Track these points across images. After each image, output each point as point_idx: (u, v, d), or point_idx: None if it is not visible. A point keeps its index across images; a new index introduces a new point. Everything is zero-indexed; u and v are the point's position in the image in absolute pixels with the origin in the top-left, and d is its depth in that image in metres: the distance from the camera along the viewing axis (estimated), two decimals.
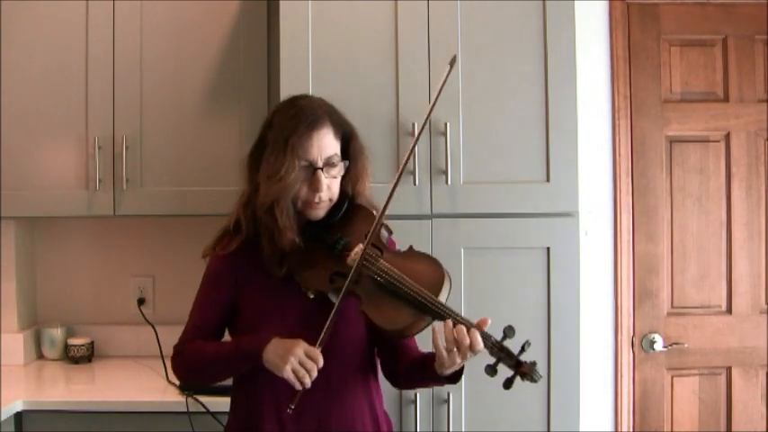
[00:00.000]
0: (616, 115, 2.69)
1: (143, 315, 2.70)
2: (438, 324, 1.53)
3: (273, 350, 1.57)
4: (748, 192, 2.71)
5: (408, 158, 1.73)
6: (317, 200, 1.63)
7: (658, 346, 2.68)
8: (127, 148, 2.43)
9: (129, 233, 2.78)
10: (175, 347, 1.75)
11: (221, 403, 2.00)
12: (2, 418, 2.06)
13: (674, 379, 2.71)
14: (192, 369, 1.74)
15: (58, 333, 2.69)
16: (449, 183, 2.09)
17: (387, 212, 1.65)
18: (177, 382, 2.27)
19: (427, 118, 1.71)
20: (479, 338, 1.47)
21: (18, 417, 2.17)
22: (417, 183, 2.09)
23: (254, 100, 2.45)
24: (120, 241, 2.80)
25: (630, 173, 2.70)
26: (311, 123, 1.61)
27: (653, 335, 2.69)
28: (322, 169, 1.61)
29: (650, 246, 2.70)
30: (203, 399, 2.14)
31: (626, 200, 2.69)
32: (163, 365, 2.43)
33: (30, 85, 2.45)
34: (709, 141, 2.72)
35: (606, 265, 2.70)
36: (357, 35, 2.12)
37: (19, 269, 2.70)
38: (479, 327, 1.49)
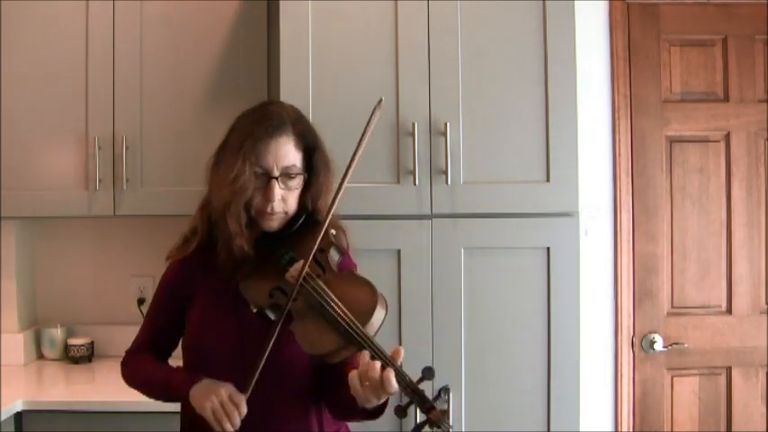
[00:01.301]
0: (616, 115, 2.69)
1: (143, 315, 2.70)
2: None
3: (199, 389, 1.52)
4: (748, 192, 2.71)
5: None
6: (269, 210, 1.55)
7: (658, 346, 2.68)
8: (127, 148, 2.43)
9: (129, 233, 2.78)
10: (124, 356, 1.75)
11: None
12: (2, 418, 2.06)
13: (674, 379, 2.71)
14: (132, 384, 1.73)
15: (57, 333, 2.69)
16: (449, 183, 2.09)
17: (342, 225, 1.60)
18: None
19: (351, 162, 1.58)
20: (392, 379, 1.36)
21: (18, 417, 2.17)
22: (417, 183, 2.09)
23: (254, 100, 2.40)
24: (120, 241, 2.80)
25: (630, 173, 2.70)
26: (269, 129, 1.54)
27: (653, 335, 2.69)
28: (277, 179, 1.54)
29: (650, 246, 2.70)
30: None
31: (626, 200, 2.69)
32: None
33: (30, 85, 2.45)
34: (709, 141, 2.72)
35: (606, 265, 2.70)
36: (357, 35, 2.12)
37: (19, 269, 2.70)
38: (393, 358, 1.39)
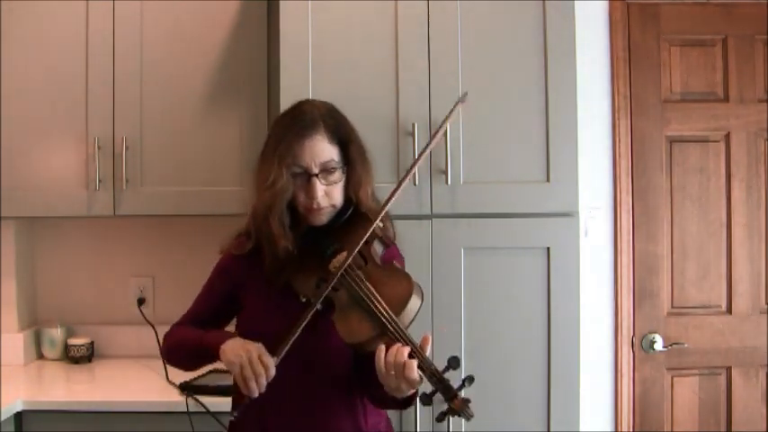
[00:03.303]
0: (616, 115, 2.69)
1: (143, 315, 2.70)
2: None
3: (231, 346, 1.56)
4: (748, 192, 2.71)
5: (408, 173, 1.72)
6: (314, 206, 1.61)
7: (658, 346, 2.68)
8: (127, 148, 2.43)
9: (129, 233, 2.78)
10: (169, 329, 1.81)
11: (221, 403, 2.00)
12: (2, 418, 2.06)
13: (674, 379, 2.71)
14: (168, 349, 1.79)
15: (58, 333, 2.69)
16: (449, 183, 2.09)
17: (389, 215, 1.66)
18: (177, 382, 2.27)
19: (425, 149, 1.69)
20: (414, 368, 1.41)
21: (18, 417, 2.17)
22: (417, 183, 2.09)
23: (254, 100, 2.45)
24: (120, 241, 2.80)
25: (630, 173, 2.70)
26: (301, 130, 1.59)
27: (653, 335, 2.69)
28: (317, 176, 1.59)
29: (650, 246, 2.70)
30: (203, 399, 2.14)
31: (626, 200, 2.69)
32: (163, 365, 2.42)
33: (30, 85, 2.45)
34: (709, 141, 2.72)
35: (606, 265, 2.70)
36: (357, 35, 2.12)
37: (19, 269, 2.70)
38: (421, 347, 1.45)
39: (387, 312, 1.49)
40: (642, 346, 2.69)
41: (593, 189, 2.68)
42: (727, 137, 2.72)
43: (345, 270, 1.55)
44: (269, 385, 1.53)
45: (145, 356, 2.67)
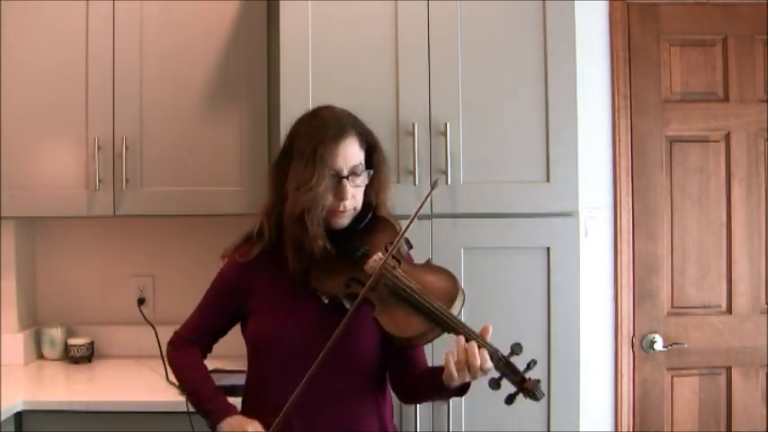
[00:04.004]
0: (616, 115, 2.69)
1: (143, 315, 2.70)
2: (451, 338, 1.53)
3: (228, 422, 1.65)
4: (748, 192, 2.71)
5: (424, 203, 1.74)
6: (341, 208, 1.65)
7: (658, 346, 2.68)
8: (127, 148, 2.43)
9: (129, 233, 2.78)
10: (172, 339, 1.85)
11: None
12: (2, 418, 2.06)
13: (674, 379, 2.71)
14: (173, 369, 1.85)
15: (58, 333, 2.69)
16: (449, 183, 2.09)
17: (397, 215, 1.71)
18: (177, 382, 2.27)
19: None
20: (488, 358, 1.47)
21: (18, 417, 2.17)
22: (417, 183, 2.09)
23: (254, 100, 2.45)
24: (120, 241, 2.80)
25: (630, 173, 2.70)
26: (338, 133, 1.64)
27: (653, 335, 2.69)
28: (347, 178, 1.64)
29: (650, 246, 2.70)
30: None
31: (626, 200, 2.69)
32: (163, 365, 2.42)
33: (30, 84, 2.45)
34: (709, 141, 2.72)
35: (606, 265, 2.70)
36: (357, 35, 2.12)
37: (19, 269, 2.70)
38: (482, 335, 1.50)
39: (438, 305, 1.53)
40: (642, 346, 2.69)
41: (594, 189, 2.68)
42: (727, 137, 2.72)
43: (385, 268, 1.59)
44: (295, 384, 1.55)
45: (145, 356, 2.66)
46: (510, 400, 1.49)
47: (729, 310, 2.71)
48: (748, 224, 2.71)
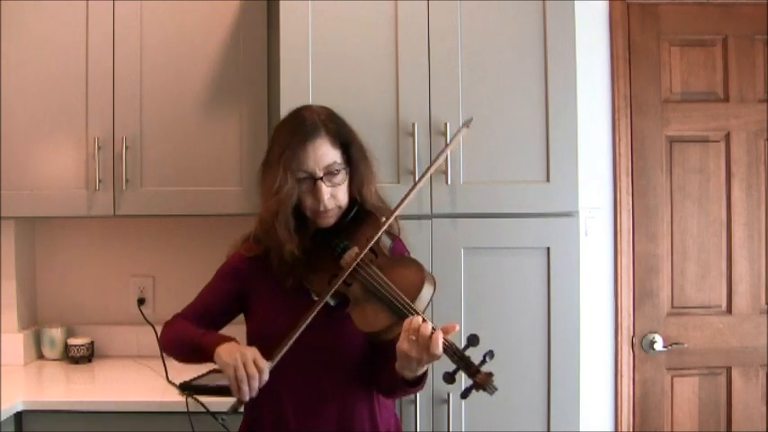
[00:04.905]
0: (616, 115, 2.69)
1: (143, 315, 2.70)
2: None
3: (226, 348, 1.59)
4: (748, 192, 2.71)
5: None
6: (321, 209, 1.65)
7: (658, 346, 2.68)
8: (127, 148, 2.43)
9: (129, 233, 2.78)
10: (170, 318, 1.82)
11: (221, 403, 2.00)
12: (2, 418, 2.06)
13: (674, 379, 2.71)
14: (166, 339, 1.80)
15: (58, 333, 2.69)
16: (449, 183, 2.09)
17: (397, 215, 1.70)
18: (177, 382, 2.27)
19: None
20: (440, 341, 1.44)
21: (18, 417, 2.17)
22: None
23: (254, 100, 2.45)
24: (120, 241, 2.80)
25: (630, 173, 2.70)
26: (304, 135, 1.63)
27: (653, 335, 2.69)
28: (322, 179, 1.63)
29: (650, 246, 2.70)
30: (203, 399, 2.13)
31: (626, 200, 2.69)
32: (163, 365, 2.42)
33: (30, 85, 2.45)
34: (709, 141, 2.72)
35: (606, 265, 2.70)
36: (357, 35, 2.12)
37: (19, 269, 2.70)
38: (445, 331, 1.48)
39: (402, 299, 1.53)
40: (642, 346, 2.69)
41: (593, 189, 2.68)
42: (728, 137, 2.72)
43: (358, 264, 1.59)
44: (287, 386, 1.54)
45: (145, 356, 2.67)
46: (465, 394, 1.46)
47: (729, 310, 2.71)
48: (748, 224, 2.71)
